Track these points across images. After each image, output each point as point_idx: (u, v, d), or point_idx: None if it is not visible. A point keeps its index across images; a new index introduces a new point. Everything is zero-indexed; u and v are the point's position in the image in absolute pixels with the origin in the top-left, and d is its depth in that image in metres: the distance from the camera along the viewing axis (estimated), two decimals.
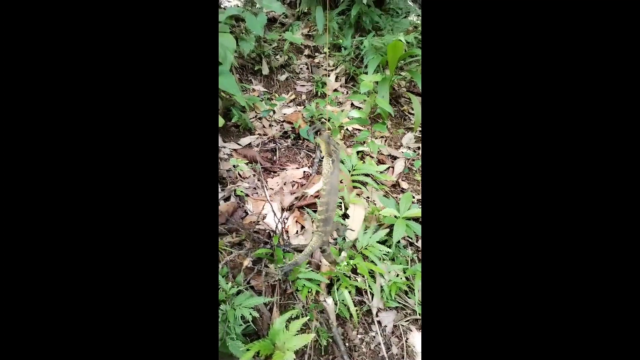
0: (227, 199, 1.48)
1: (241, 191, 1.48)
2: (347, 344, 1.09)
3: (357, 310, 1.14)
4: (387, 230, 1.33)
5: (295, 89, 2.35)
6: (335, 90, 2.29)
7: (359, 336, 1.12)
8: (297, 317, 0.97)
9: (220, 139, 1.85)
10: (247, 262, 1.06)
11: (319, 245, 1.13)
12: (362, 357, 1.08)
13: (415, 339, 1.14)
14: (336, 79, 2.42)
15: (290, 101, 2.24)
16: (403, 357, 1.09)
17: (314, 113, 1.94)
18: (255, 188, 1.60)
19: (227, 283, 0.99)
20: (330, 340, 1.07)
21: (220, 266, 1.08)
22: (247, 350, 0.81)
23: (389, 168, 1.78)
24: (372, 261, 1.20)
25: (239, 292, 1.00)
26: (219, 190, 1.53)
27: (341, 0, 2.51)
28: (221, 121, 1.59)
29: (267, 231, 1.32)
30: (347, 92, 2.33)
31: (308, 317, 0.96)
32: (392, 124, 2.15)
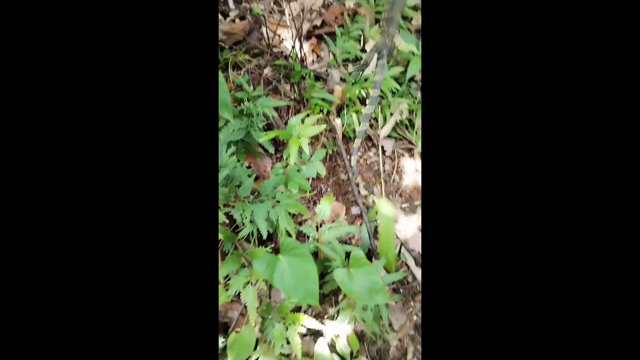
0: (242, 18, 1.41)
1: (258, 10, 1.40)
2: (348, 157, 1.29)
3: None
4: (402, 69, 1.35)
5: None
6: None
7: (359, 154, 1.32)
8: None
9: None
10: (267, 71, 1.12)
11: (379, 47, 1.11)
12: (360, 169, 1.31)
13: (406, 162, 1.34)
14: None
15: None
16: (392, 173, 1.32)
17: None
18: (271, 12, 1.50)
19: (250, 86, 1.08)
20: (335, 151, 1.26)
21: (242, 73, 1.15)
22: (266, 134, 0.97)
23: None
24: (384, 94, 1.27)
25: (259, 97, 1.11)
26: (233, 7, 1.44)
27: None
28: None
29: (284, 54, 1.33)
30: None
31: (320, 116, 1.09)
32: None
